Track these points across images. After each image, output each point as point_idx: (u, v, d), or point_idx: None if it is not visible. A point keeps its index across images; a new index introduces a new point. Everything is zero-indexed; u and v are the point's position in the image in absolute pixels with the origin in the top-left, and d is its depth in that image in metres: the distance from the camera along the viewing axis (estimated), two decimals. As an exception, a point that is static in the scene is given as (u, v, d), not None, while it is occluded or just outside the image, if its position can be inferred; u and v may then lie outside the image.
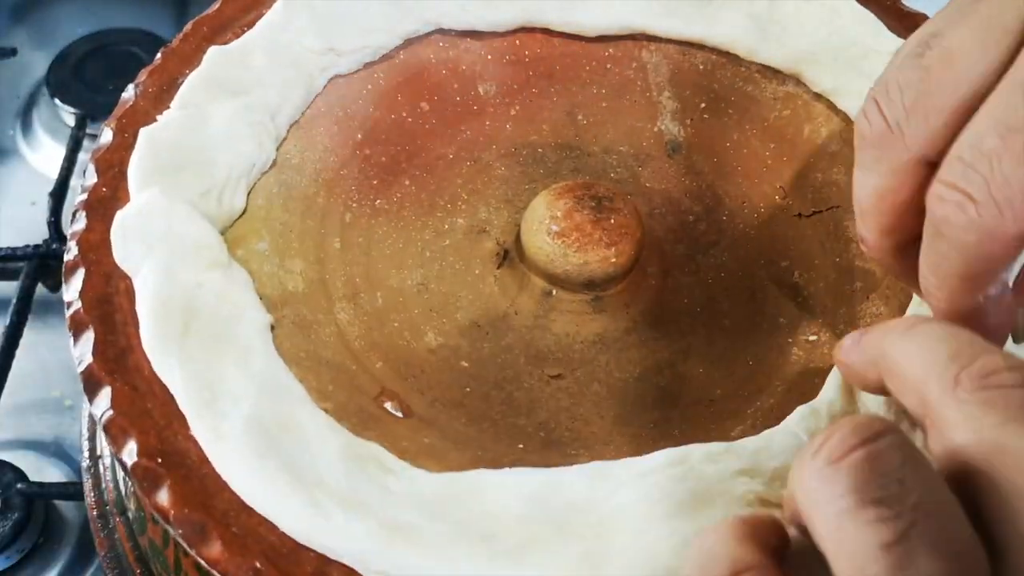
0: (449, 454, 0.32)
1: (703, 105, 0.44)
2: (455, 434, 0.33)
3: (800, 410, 0.31)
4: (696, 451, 0.30)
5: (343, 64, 0.41)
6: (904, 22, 0.43)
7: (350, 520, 0.28)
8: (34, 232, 0.60)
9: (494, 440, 0.33)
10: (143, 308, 0.32)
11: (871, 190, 0.27)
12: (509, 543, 0.28)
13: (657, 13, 0.43)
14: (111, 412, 0.30)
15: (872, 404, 0.30)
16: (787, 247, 0.39)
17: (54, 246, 0.58)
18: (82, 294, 0.33)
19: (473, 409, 0.35)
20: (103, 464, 0.43)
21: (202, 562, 0.28)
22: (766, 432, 0.31)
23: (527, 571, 0.27)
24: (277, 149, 0.39)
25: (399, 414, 0.33)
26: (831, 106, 0.41)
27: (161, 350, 0.31)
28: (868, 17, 0.42)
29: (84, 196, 0.36)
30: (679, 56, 0.44)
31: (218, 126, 0.38)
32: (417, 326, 0.37)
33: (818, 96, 0.42)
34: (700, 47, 0.44)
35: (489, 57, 0.44)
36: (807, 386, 0.34)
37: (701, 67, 0.44)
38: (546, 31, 0.44)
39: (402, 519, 0.28)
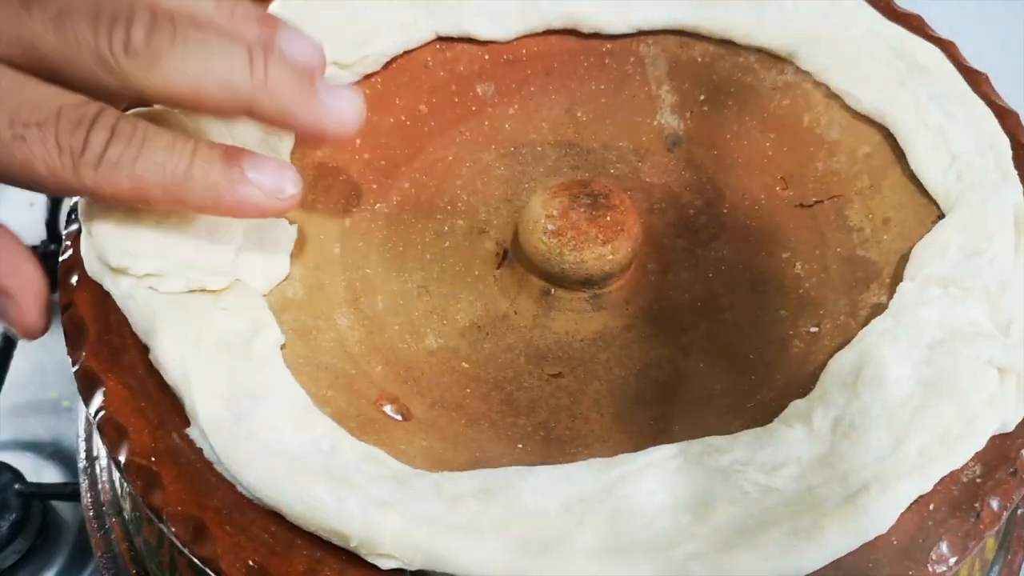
0: (447, 456, 0.32)
1: (702, 97, 0.43)
2: (454, 436, 0.33)
3: (796, 403, 0.31)
4: (695, 445, 0.30)
5: (345, 76, 0.41)
6: (898, 23, 0.42)
7: (364, 507, 0.28)
8: (31, 234, 0.60)
9: (493, 441, 0.33)
10: (153, 315, 0.33)
11: None
12: (523, 535, 0.28)
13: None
14: (105, 411, 0.30)
15: (864, 397, 0.30)
16: (788, 238, 0.39)
17: (51, 247, 0.58)
18: (78, 293, 0.33)
19: (473, 410, 0.35)
20: (99, 465, 0.43)
21: (196, 560, 0.28)
22: (763, 427, 0.31)
23: (541, 562, 0.27)
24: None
25: (398, 417, 0.34)
26: (831, 94, 0.41)
27: (174, 356, 0.31)
28: (865, 3, 0.42)
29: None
30: (677, 49, 0.44)
31: (216, 130, 0.37)
32: (417, 328, 0.37)
33: (817, 84, 0.41)
34: (697, 38, 0.43)
35: (486, 57, 0.44)
36: (808, 379, 0.33)
37: (699, 59, 0.43)
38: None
39: (417, 508, 0.28)
